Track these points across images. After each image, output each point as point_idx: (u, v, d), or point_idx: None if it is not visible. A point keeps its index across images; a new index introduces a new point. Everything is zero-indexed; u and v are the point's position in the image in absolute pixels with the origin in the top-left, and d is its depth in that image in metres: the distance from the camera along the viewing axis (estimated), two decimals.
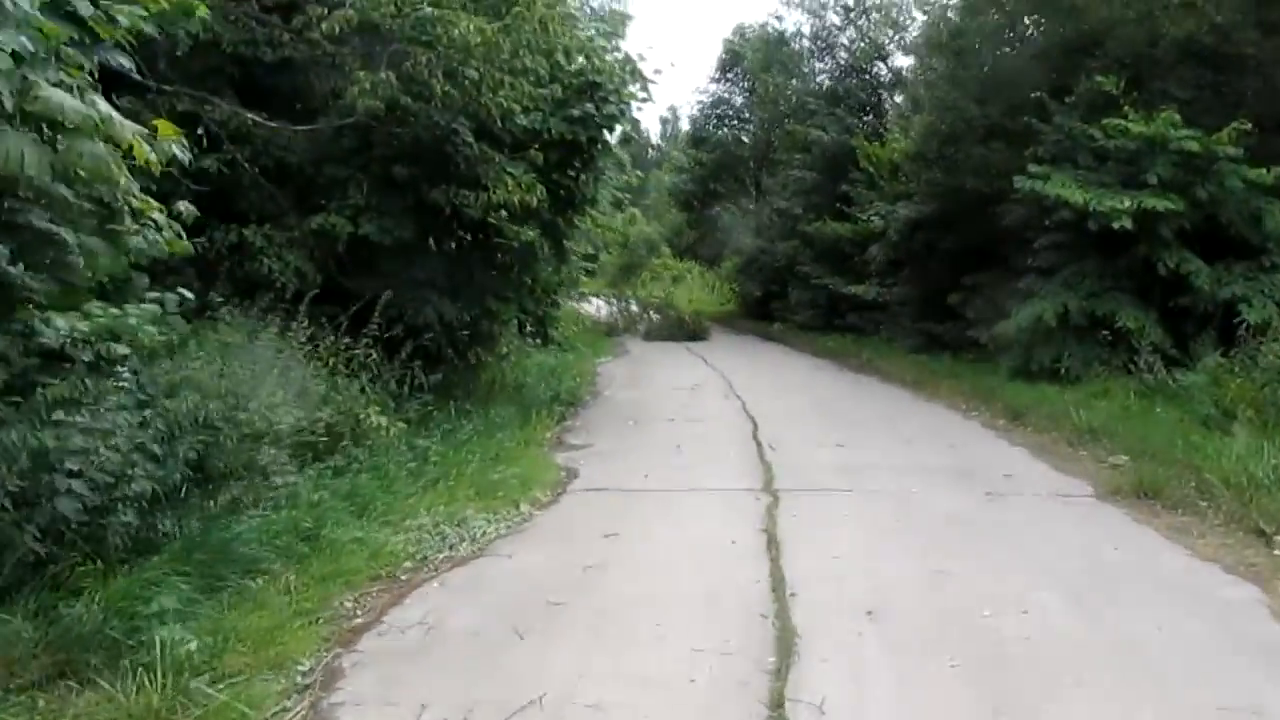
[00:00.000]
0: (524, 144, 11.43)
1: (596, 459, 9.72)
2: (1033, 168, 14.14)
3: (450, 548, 6.55)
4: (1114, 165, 13.72)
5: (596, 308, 30.94)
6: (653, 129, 77.72)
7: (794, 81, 31.47)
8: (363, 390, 9.36)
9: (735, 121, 37.58)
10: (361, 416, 8.77)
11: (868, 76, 28.18)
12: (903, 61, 27.32)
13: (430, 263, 11.97)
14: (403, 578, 5.95)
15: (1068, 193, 13.33)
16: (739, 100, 38.08)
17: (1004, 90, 16.87)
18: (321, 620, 5.16)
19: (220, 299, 9.04)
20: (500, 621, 5.19)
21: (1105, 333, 13.22)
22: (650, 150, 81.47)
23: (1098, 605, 5.43)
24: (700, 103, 38.40)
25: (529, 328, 14.19)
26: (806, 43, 30.83)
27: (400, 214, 10.93)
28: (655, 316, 27.83)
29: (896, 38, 26.89)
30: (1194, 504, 7.50)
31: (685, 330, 26.32)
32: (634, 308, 29.72)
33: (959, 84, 17.62)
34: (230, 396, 6.58)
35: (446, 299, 11.79)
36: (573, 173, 12.29)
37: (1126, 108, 13.47)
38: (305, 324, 8.67)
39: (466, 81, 9.48)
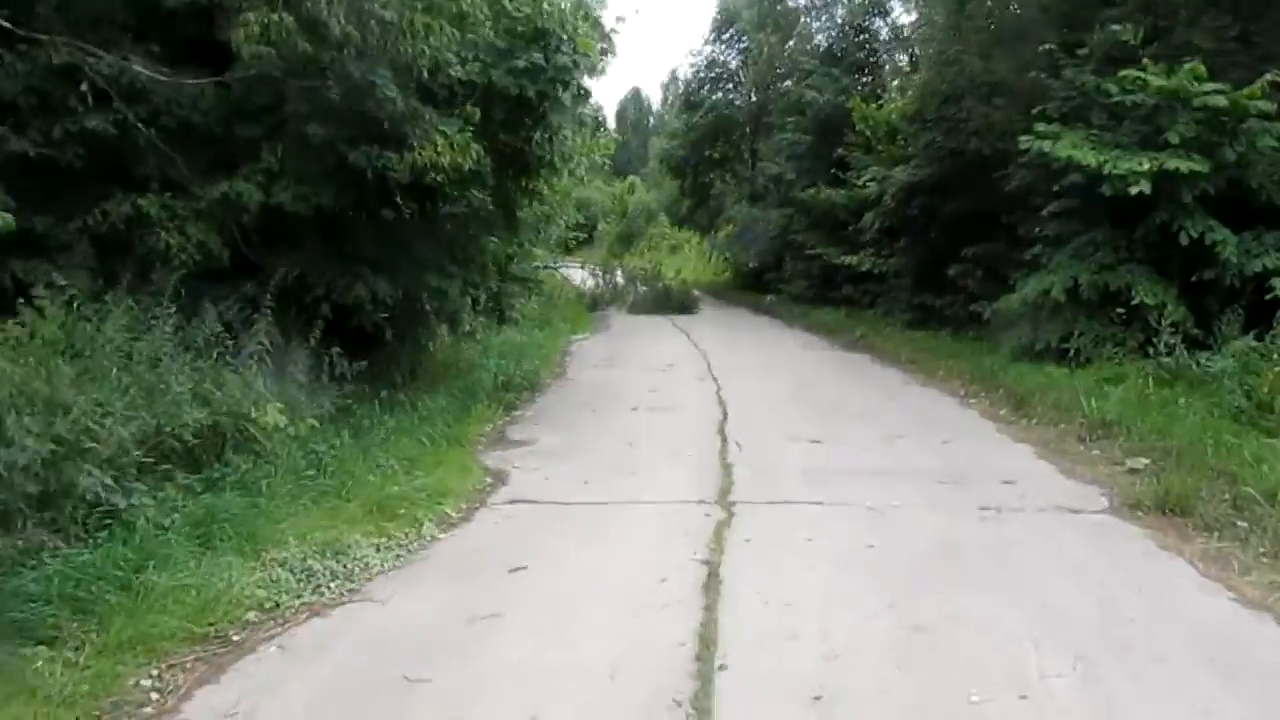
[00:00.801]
0: (463, 99, 10.11)
1: (535, 460, 8.46)
2: (1040, 127, 12.75)
3: (315, 589, 5.29)
4: (1131, 124, 12.33)
5: (582, 279, 29.61)
6: (654, 95, 76.02)
7: (791, 43, 29.95)
8: (262, 384, 8.11)
9: (730, 85, 36.02)
10: (255, 415, 7.52)
11: (866, 35, 26.65)
12: (905, 19, 25.85)
13: (360, 234, 10.70)
14: (236, 637, 4.68)
15: (1079, 154, 11.96)
16: (734, 63, 36.52)
17: (1010, 44, 15.45)
18: (99, 714, 3.91)
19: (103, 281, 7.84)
20: (332, 713, 3.95)
21: (1119, 309, 11.89)
22: (650, 118, 79.87)
23: (1120, 683, 4.17)
24: (694, 64, 36.81)
25: (481, 305, 12.87)
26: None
27: (320, 180, 9.61)
28: (642, 288, 26.47)
29: None
30: (1231, 524, 6.20)
31: (672, 303, 24.98)
32: (619, 279, 28.31)
33: (962, 37, 16.18)
34: (40, 404, 5.31)
35: (382, 275, 10.53)
36: (523, 133, 10.96)
37: (1146, 60, 12.07)
38: (172, 309, 7.34)
39: (374, 22, 8.11)
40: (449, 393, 10.75)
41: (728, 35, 36.36)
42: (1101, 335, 12.07)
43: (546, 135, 11.07)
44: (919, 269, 18.40)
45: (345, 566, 5.62)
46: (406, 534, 6.21)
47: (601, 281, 28.10)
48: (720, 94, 35.94)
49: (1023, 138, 12.80)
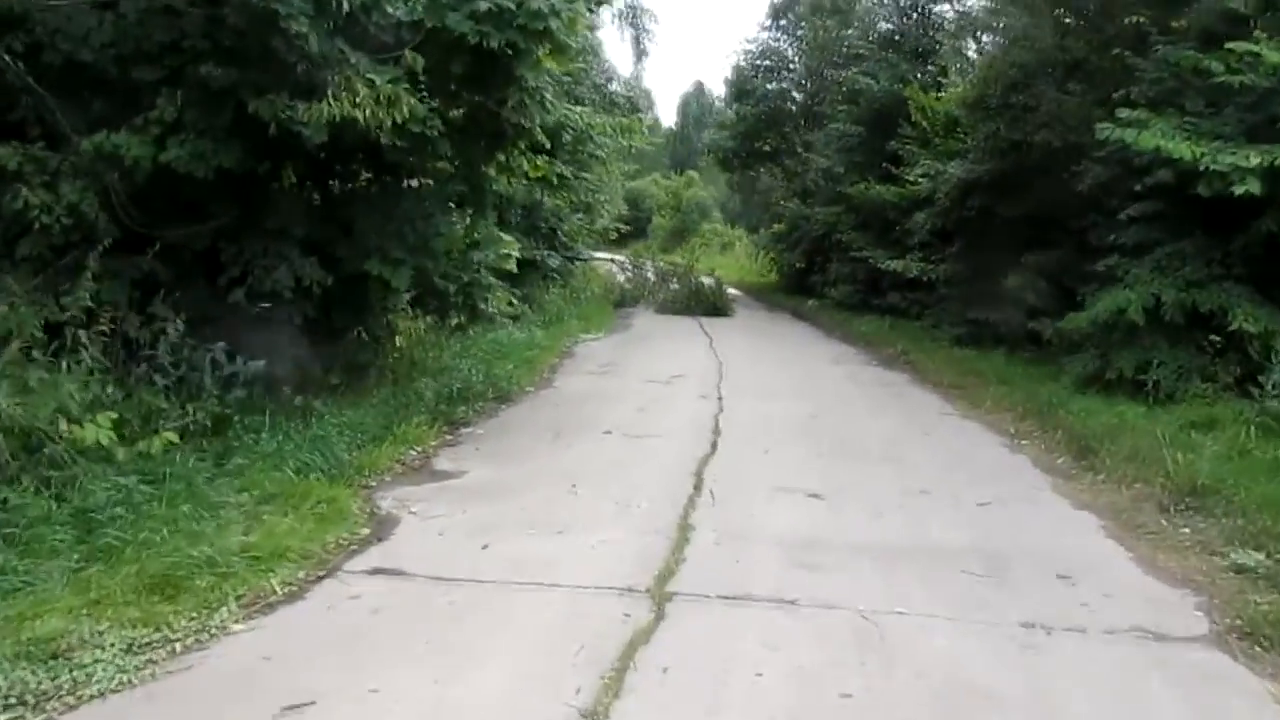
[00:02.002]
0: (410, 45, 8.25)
1: (445, 502, 6.56)
2: (1124, 113, 10.59)
3: None
4: (1236, 110, 10.15)
5: (609, 272, 27.73)
6: (719, 90, 73.61)
7: (849, 31, 27.70)
8: (99, 388, 6.34)
9: (783, 74, 33.82)
10: (67, 430, 5.75)
11: (929, 18, 24.35)
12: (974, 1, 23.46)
13: (287, 209, 8.92)
14: None
15: (1170, 145, 9.80)
16: (789, 51, 34.34)
17: (1092, 17, 13.25)
18: None
19: None
20: None
21: (1212, 336, 9.73)
22: (713, 113, 77.54)
23: None
24: (747, 52, 34.62)
25: (452, 298, 11.00)
26: None
27: (221, 135, 7.83)
28: (673, 286, 24.45)
29: None
30: None
31: (704, 304, 22.95)
32: (650, 275, 26.31)
33: (1034, 10, 13.96)
34: None
35: (311, 257, 8.74)
36: (493, 94, 9.06)
37: (1259, 32, 9.86)
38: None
39: None
40: (385, 403, 8.91)
41: (784, 22, 34.25)
42: (1188, 366, 9.92)
43: (520, 98, 9.14)
44: (972, 278, 16.21)
45: (56, 681, 3.77)
46: (187, 624, 4.34)
47: (632, 277, 26.12)
48: (774, 84, 33.77)
49: (1100, 126, 10.63)
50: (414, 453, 7.91)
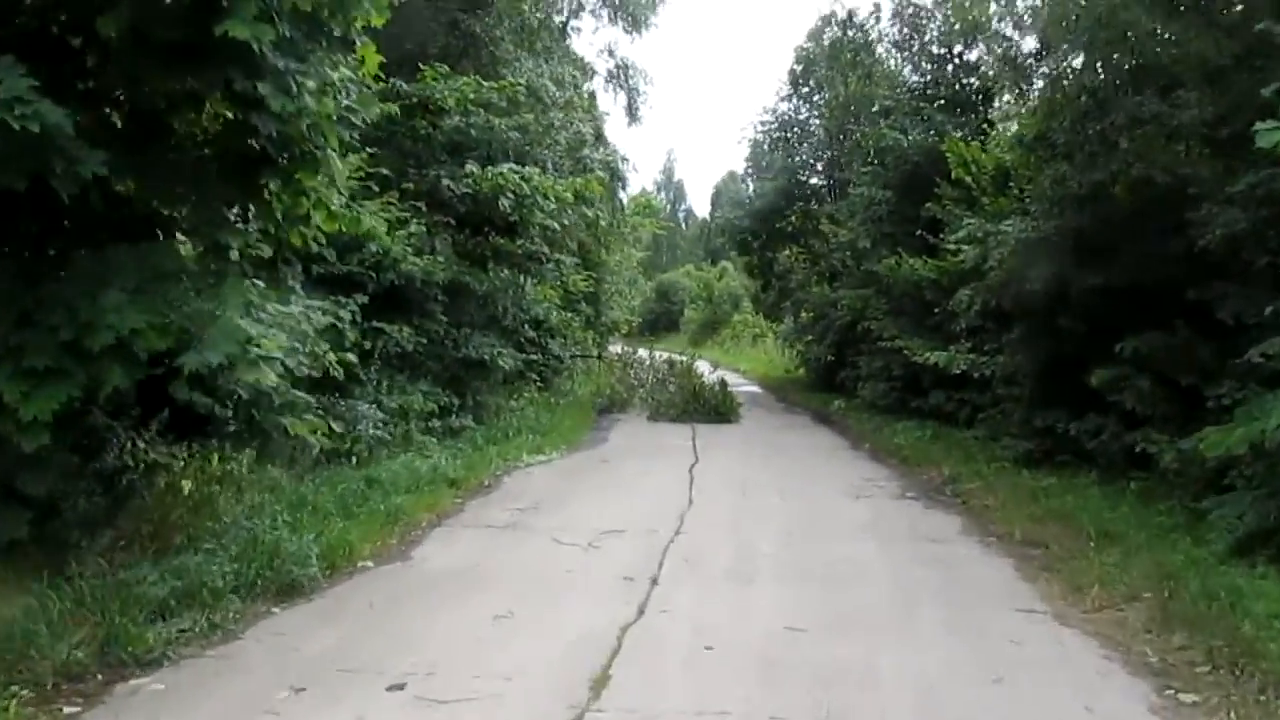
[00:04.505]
0: None
1: None
2: None
3: None
4: None
5: (606, 369, 23.80)
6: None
7: (871, 84, 24.00)
8: None
9: (803, 145, 30.10)
10: None
11: (964, 62, 20.55)
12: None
13: None
14: None
15: None
16: (811, 120, 30.71)
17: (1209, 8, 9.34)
18: None
19: None
20: None
21: None
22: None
23: None
24: (764, 124, 30.98)
25: (221, 427, 7.04)
26: (885, 25, 23.45)
27: None
28: (671, 387, 20.33)
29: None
30: None
31: (705, 408, 18.77)
32: (651, 374, 22.18)
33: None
34: None
35: None
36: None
37: None
38: None
39: None
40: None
41: (805, 89, 30.71)
42: None
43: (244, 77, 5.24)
44: (1041, 373, 11.98)
45: None
46: None
47: (622, 376, 22.07)
48: (793, 157, 30.04)
49: (1262, 128, 6.56)
50: None
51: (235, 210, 5.97)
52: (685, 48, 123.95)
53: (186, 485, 7.59)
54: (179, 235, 6.08)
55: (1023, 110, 14.18)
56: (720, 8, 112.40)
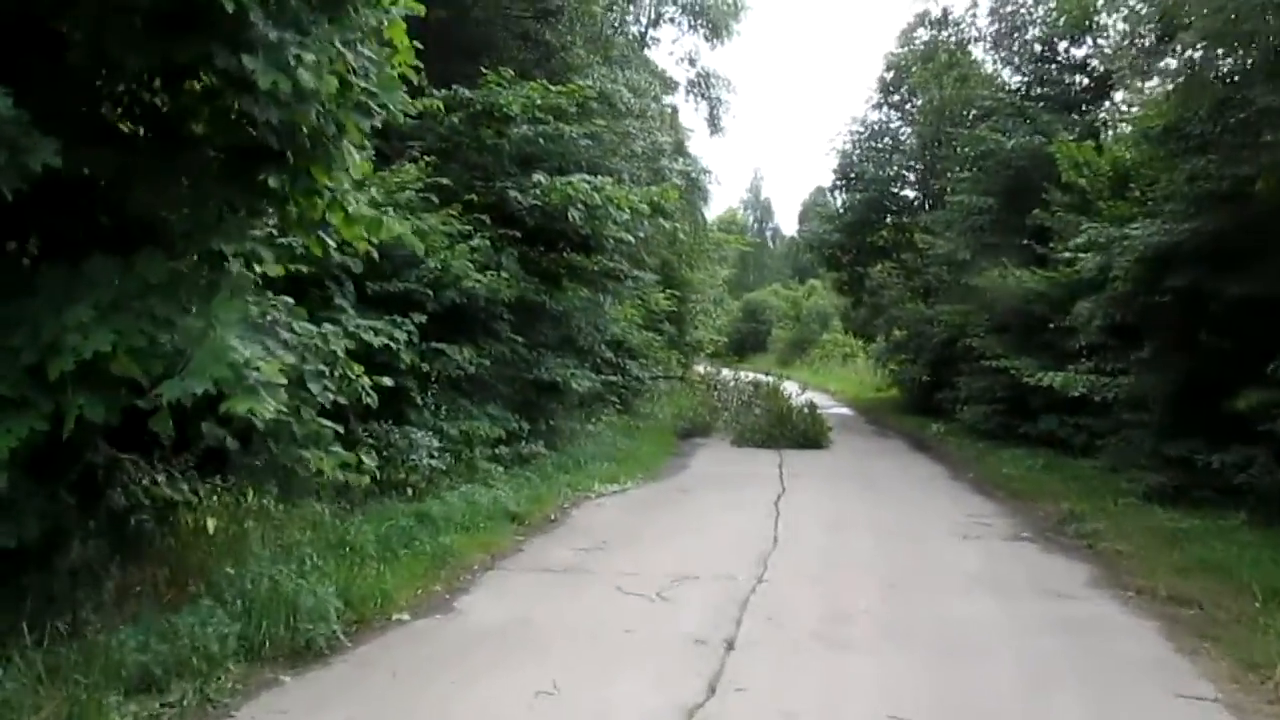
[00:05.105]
0: None
1: None
2: None
3: None
4: None
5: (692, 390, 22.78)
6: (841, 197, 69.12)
7: (967, 87, 22.60)
8: None
9: (895, 155, 28.76)
10: None
11: (1071, 60, 19.13)
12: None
13: None
14: None
15: None
16: (902, 129, 29.39)
17: None
18: None
19: None
20: None
21: None
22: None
23: None
24: (854, 133, 29.75)
25: (235, 462, 6.24)
26: (982, 23, 22.10)
27: None
28: (756, 411, 19.21)
29: None
30: None
31: (792, 433, 17.60)
32: (736, 397, 21.10)
33: None
34: None
35: None
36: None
37: None
38: None
39: None
40: None
41: (895, 97, 29.45)
42: None
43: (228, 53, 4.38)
44: (1175, 396, 10.65)
45: None
46: None
47: (704, 399, 21.00)
48: (883, 168, 28.71)
49: None
50: None
51: (242, 214, 5.12)
52: (769, 59, 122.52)
53: (212, 524, 6.85)
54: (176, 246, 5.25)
55: (1143, 103, 12.74)
56: (804, 17, 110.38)
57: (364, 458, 6.63)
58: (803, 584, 7.48)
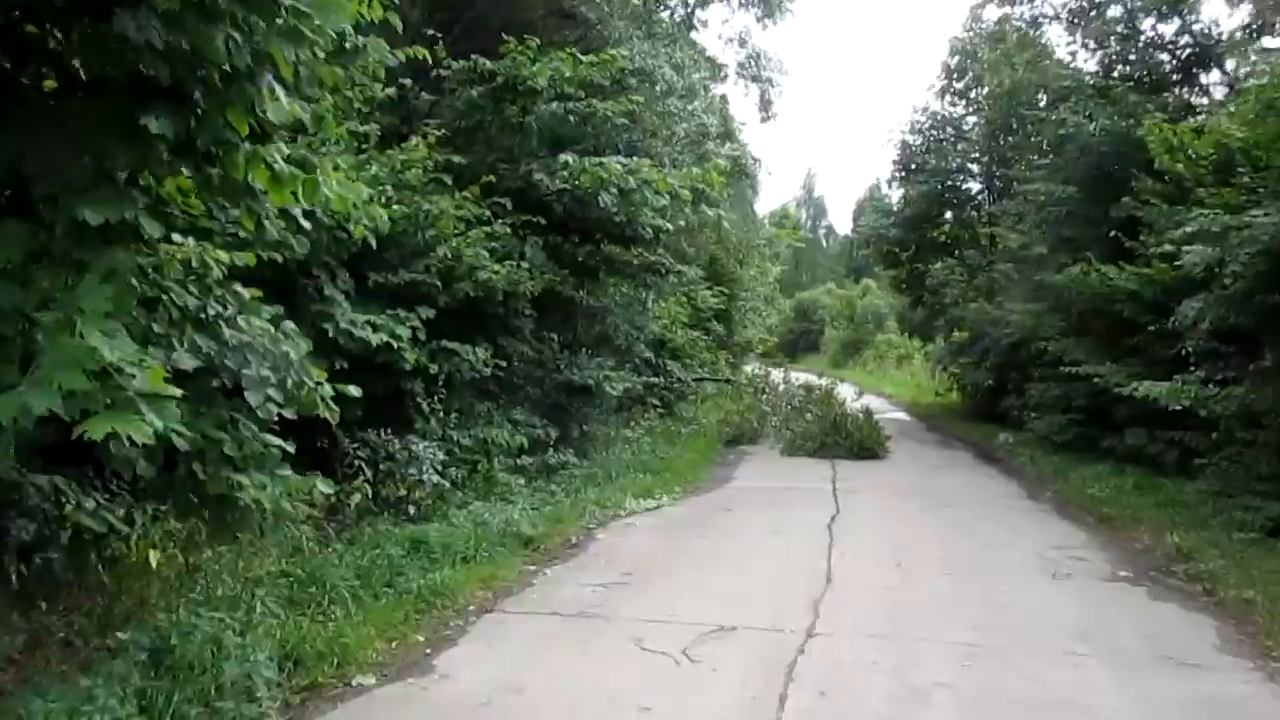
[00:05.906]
0: None
1: None
2: None
3: None
4: None
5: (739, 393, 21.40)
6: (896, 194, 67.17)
7: (1039, 70, 20.90)
8: None
9: (959, 145, 27.10)
10: None
11: (1160, 37, 17.44)
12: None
13: None
14: None
15: None
16: (966, 116, 27.73)
17: None
18: None
19: None
20: None
21: None
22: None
23: None
24: (915, 122, 28.10)
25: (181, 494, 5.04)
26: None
27: None
28: (808, 416, 17.79)
29: None
30: None
31: (848, 441, 16.16)
32: (784, 402, 19.68)
33: None
34: None
35: None
36: None
37: None
38: None
39: None
40: None
41: (960, 84, 27.78)
42: None
43: None
44: None
45: None
46: None
47: (751, 404, 19.59)
48: (946, 160, 27.03)
49: None
50: None
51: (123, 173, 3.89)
52: (823, 48, 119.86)
53: (154, 557, 5.67)
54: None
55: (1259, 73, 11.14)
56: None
57: (320, 484, 5.35)
58: (862, 641, 6.12)
